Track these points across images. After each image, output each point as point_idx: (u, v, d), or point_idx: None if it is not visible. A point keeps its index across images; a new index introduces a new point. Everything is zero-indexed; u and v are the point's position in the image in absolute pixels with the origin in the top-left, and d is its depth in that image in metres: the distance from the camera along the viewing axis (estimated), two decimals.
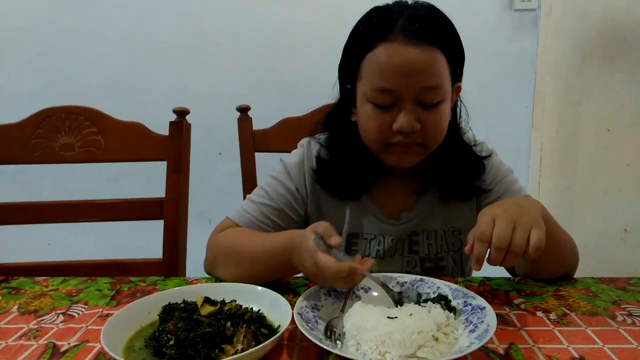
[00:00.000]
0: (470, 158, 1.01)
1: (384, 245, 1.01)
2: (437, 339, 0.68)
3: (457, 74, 0.92)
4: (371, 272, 0.79)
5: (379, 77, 0.86)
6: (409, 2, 0.90)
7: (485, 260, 0.75)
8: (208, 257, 0.98)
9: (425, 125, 0.88)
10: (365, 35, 0.88)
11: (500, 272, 0.93)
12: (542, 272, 0.93)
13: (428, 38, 0.84)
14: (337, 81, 0.98)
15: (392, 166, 0.94)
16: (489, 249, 0.75)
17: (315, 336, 0.66)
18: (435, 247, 1.02)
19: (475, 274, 1.07)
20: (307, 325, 0.69)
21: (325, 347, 0.64)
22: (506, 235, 0.73)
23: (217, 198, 1.84)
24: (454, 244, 1.03)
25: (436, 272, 1.01)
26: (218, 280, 0.94)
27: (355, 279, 0.75)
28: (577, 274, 0.96)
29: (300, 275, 0.90)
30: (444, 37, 0.86)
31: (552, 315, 0.79)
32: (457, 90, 0.95)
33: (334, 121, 1.03)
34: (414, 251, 1.01)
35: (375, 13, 0.89)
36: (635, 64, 2.29)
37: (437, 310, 0.74)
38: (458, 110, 1.00)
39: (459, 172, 1.00)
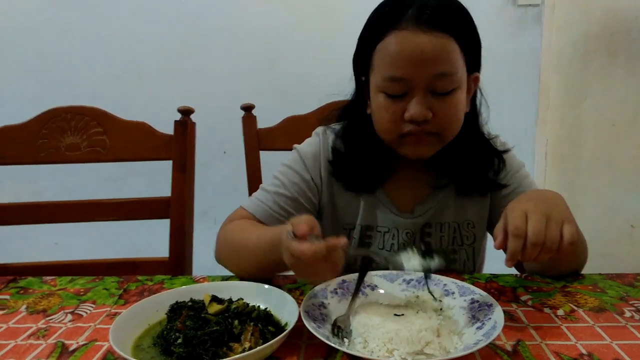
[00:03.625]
0: (489, 152, 1.00)
1: (398, 239, 1.00)
2: (438, 334, 0.68)
3: (473, 64, 0.91)
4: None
5: (390, 66, 0.85)
6: None
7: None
8: (216, 248, 0.98)
9: (438, 114, 0.87)
10: (377, 25, 0.88)
11: (507, 268, 0.93)
12: (554, 269, 0.92)
13: (440, 25, 0.83)
14: (352, 74, 0.98)
15: (408, 157, 0.93)
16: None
17: (323, 334, 0.66)
18: (448, 239, 1.02)
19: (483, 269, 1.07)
20: (315, 323, 0.69)
21: (332, 344, 0.64)
22: (541, 231, 0.71)
23: (222, 197, 1.84)
24: (468, 238, 1.02)
25: (447, 264, 0.99)
26: (225, 277, 0.94)
27: (336, 259, 0.70)
28: (584, 270, 0.95)
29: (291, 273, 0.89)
30: (457, 24, 0.85)
31: (560, 312, 0.79)
32: (475, 80, 0.94)
33: (350, 114, 1.02)
34: (427, 243, 1.01)
35: (387, 3, 0.89)
36: (638, 58, 2.27)
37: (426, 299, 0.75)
38: (477, 102, 0.99)
39: (477, 166, 0.99)
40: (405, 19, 0.83)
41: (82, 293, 0.91)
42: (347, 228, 1.02)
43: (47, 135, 1.26)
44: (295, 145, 1.04)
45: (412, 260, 0.78)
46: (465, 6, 0.89)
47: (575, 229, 0.73)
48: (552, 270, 0.92)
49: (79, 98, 1.34)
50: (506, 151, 1.02)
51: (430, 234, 1.01)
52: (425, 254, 0.78)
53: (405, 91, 0.86)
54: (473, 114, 0.97)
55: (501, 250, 0.74)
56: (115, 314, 0.81)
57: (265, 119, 1.36)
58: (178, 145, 1.25)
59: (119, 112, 1.29)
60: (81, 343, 0.73)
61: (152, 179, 1.59)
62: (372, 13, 0.91)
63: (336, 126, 1.04)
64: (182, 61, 2.28)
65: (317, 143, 1.02)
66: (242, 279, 0.90)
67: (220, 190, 2.12)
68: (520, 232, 0.71)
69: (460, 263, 1.02)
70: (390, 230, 1.01)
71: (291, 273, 0.95)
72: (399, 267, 0.78)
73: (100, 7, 2.24)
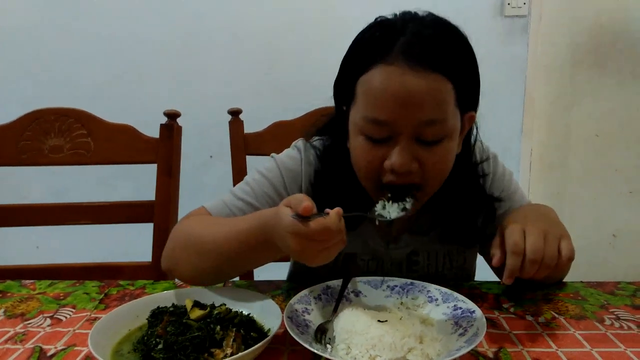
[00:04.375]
0: (479, 198, 0.92)
1: (382, 267, 0.96)
2: (421, 341, 0.68)
3: (469, 103, 0.81)
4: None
5: (372, 106, 0.75)
6: (419, 14, 0.79)
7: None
8: (166, 249, 0.86)
9: (424, 166, 0.77)
10: (363, 52, 0.77)
11: (490, 276, 0.93)
12: (543, 281, 0.88)
13: (432, 63, 0.72)
14: (333, 98, 0.87)
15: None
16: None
17: (305, 340, 0.66)
18: (436, 266, 0.97)
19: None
20: (298, 329, 0.69)
21: (315, 351, 0.64)
22: (540, 248, 0.70)
23: (207, 201, 1.83)
24: (458, 261, 0.99)
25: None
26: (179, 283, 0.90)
27: (343, 228, 0.66)
28: (566, 278, 0.96)
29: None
30: (453, 61, 0.74)
31: (541, 319, 0.79)
32: (470, 119, 0.84)
33: (330, 134, 0.93)
34: (414, 270, 0.97)
35: (376, 27, 0.78)
36: (624, 70, 2.32)
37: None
38: (473, 140, 0.90)
39: (464, 215, 0.91)
40: (395, 52, 0.73)
41: (62, 297, 0.90)
42: None
43: (30, 137, 1.25)
44: (274, 155, 0.96)
45: (388, 209, 0.77)
46: (452, 17, 0.79)
47: (572, 245, 0.73)
48: (538, 281, 0.90)
49: (64, 100, 1.32)
50: (500, 200, 0.95)
51: (417, 262, 0.97)
52: (395, 199, 0.77)
53: (389, 135, 0.76)
54: (465, 154, 0.88)
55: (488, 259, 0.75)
56: (96, 319, 0.79)
57: (253, 124, 1.36)
58: (164, 148, 1.24)
59: (107, 114, 1.28)
60: (60, 348, 0.71)
61: (137, 182, 1.57)
62: (358, 35, 0.80)
63: (317, 142, 0.95)
64: (170, 65, 2.27)
65: (298, 160, 0.93)
66: (195, 284, 0.84)
67: (207, 195, 2.10)
68: (519, 249, 0.70)
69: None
70: (374, 258, 0.96)
71: (274, 277, 0.95)
72: (380, 217, 0.76)
73: (88, 10, 2.23)
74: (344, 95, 0.83)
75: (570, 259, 0.72)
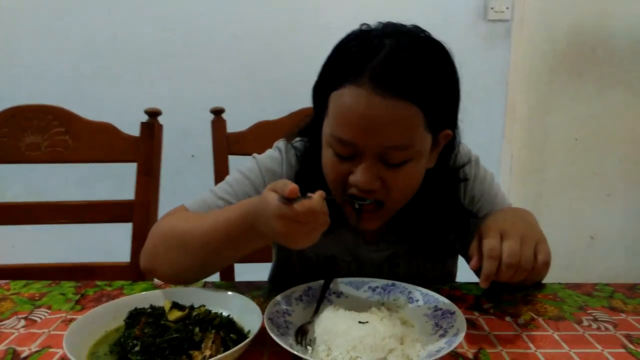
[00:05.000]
0: (454, 215, 0.91)
1: (363, 269, 0.96)
2: (402, 342, 0.68)
3: (444, 123, 0.81)
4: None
5: (339, 125, 0.76)
6: (402, 29, 0.77)
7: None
8: (146, 247, 0.86)
9: (388, 185, 0.77)
10: (337, 67, 0.77)
11: (470, 277, 0.94)
12: (521, 283, 0.87)
13: (399, 89, 0.71)
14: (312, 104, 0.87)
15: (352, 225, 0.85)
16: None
17: (286, 341, 0.65)
18: (417, 268, 0.97)
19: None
20: (278, 331, 0.68)
21: (295, 352, 0.63)
22: (516, 252, 0.71)
23: (188, 201, 1.81)
24: (438, 266, 0.99)
25: None
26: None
27: (326, 209, 0.67)
28: (545, 280, 0.97)
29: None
30: (423, 87, 0.73)
31: (521, 320, 0.80)
32: (445, 137, 0.83)
33: (309, 138, 0.93)
34: (395, 272, 0.97)
35: (354, 40, 0.77)
36: (602, 76, 2.36)
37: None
38: (454, 154, 0.89)
39: (438, 229, 0.91)
40: (365, 74, 0.72)
41: (37, 298, 0.88)
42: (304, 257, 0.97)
43: (6, 133, 1.22)
44: (255, 155, 0.96)
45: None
46: (435, 20, 0.77)
47: (549, 248, 0.74)
48: (516, 284, 0.89)
49: (43, 97, 1.30)
50: (476, 216, 0.95)
51: (398, 264, 0.97)
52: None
53: (354, 154, 0.77)
54: (442, 166, 0.88)
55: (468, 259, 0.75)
56: (71, 320, 0.78)
57: (236, 123, 1.34)
58: (144, 147, 1.23)
59: (86, 112, 1.25)
60: (34, 350, 0.70)
61: (116, 181, 1.55)
62: (339, 44, 0.79)
63: (299, 143, 0.95)
64: (151, 62, 2.25)
65: (279, 161, 0.94)
66: (176, 282, 0.84)
67: (188, 195, 2.08)
68: (496, 253, 0.71)
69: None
70: (355, 260, 0.96)
71: (254, 279, 0.93)
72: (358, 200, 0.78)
73: (69, 6, 2.20)
74: (319, 103, 0.83)
75: (547, 263, 0.73)
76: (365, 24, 0.79)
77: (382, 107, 0.71)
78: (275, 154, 0.95)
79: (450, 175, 0.92)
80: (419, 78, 0.73)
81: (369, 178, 0.76)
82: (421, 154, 0.78)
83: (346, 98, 0.74)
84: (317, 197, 0.65)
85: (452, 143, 0.87)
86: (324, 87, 0.79)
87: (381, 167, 0.76)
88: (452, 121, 0.83)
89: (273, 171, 0.93)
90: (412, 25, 0.79)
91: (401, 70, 0.72)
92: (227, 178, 0.94)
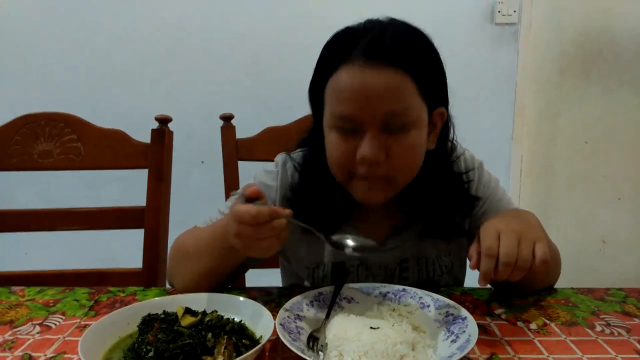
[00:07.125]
0: (458, 195, 0.94)
1: (372, 273, 0.97)
2: (413, 348, 0.68)
3: (436, 99, 0.85)
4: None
5: (339, 104, 0.80)
6: (384, 21, 0.83)
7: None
8: (169, 263, 0.95)
9: (392, 156, 0.81)
10: (330, 57, 0.82)
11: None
12: (528, 286, 0.90)
13: (390, 60, 0.77)
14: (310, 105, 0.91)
15: (359, 202, 0.88)
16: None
17: (298, 347, 0.66)
18: (426, 272, 0.98)
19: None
20: (290, 336, 0.68)
21: (307, 357, 0.63)
22: (513, 250, 0.72)
23: (198, 207, 1.82)
24: (447, 266, 1.00)
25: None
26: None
27: (280, 226, 0.70)
28: (557, 284, 0.97)
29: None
30: (411, 58, 0.79)
31: (533, 325, 0.80)
32: (440, 116, 0.87)
33: (309, 145, 0.96)
34: (404, 277, 0.97)
35: (341, 34, 0.84)
36: (610, 77, 2.35)
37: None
38: (450, 135, 0.93)
39: (444, 209, 0.93)
40: (355, 53, 0.78)
41: (51, 304, 0.89)
42: (311, 267, 0.98)
43: (19, 141, 1.24)
44: (256, 174, 1.00)
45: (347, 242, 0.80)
46: (442, 24, 0.84)
47: (547, 248, 0.74)
48: (525, 286, 0.91)
49: (55, 104, 1.31)
50: (477, 198, 0.97)
51: (407, 269, 0.97)
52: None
53: (357, 128, 0.80)
54: (441, 151, 0.92)
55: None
56: (86, 326, 0.79)
57: (245, 129, 1.35)
58: (155, 153, 1.24)
59: (97, 119, 1.27)
60: (49, 355, 0.71)
61: (127, 187, 1.56)
62: (326, 43, 0.85)
63: (298, 154, 0.98)
64: (161, 69, 2.27)
65: (274, 175, 0.97)
66: (191, 290, 0.85)
67: (197, 200, 2.09)
68: (492, 252, 0.72)
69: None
70: (362, 264, 0.96)
71: (266, 284, 0.94)
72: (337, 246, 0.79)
73: (78, 14, 2.22)
74: (316, 101, 0.87)
75: (545, 261, 0.73)
76: (346, 26, 0.85)
77: (376, 77, 0.77)
78: (271, 168, 1.00)
79: (449, 158, 0.94)
80: (407, 48, 0.79)
81: (374, 149, 0.79)
82: (420, 123, 0.82)
83: (342, 77, 0.79)
84: (271, 207, 0.70)
85: (447, 124, 0.91)
86: (319, 82, 0.84)
87: (385, 138, 0.80)
88: (444, 99, 0.87)
89: (267, 185, 0.97)
90: (390, 17, 0.84)
91: (388, 42, 0.78)
92: (232, 194, 1.01)
